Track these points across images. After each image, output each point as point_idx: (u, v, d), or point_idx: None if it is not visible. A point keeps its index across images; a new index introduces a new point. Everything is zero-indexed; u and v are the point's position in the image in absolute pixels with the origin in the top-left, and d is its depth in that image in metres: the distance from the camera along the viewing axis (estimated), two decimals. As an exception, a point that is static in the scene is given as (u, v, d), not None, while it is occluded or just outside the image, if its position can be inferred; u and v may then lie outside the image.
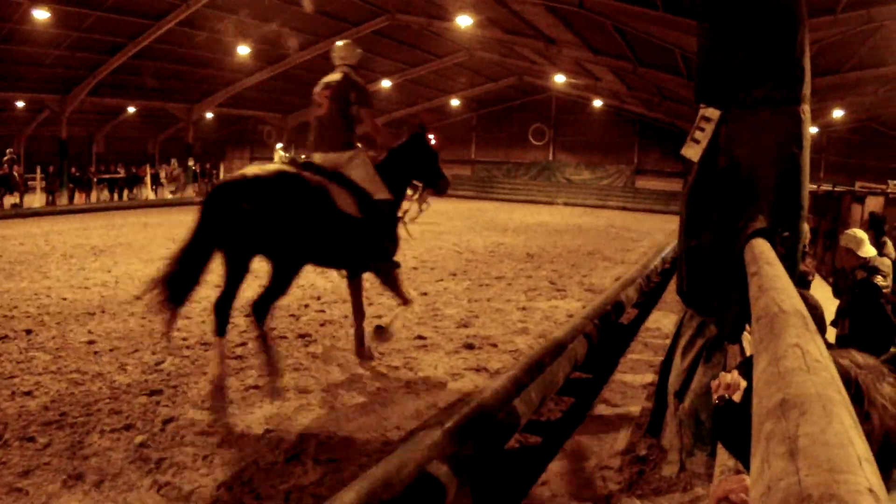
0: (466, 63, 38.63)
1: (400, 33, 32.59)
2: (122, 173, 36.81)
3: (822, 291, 10.07)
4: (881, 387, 1.57)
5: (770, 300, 2.01)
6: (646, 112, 39.85)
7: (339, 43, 8.40)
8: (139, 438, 5.70)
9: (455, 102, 46.89)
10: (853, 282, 6.67)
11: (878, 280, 6.51)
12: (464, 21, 25.37)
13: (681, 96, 25.31)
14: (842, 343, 6.69)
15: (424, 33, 32.32)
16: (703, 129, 5.15)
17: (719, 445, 3.89)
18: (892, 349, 6.41)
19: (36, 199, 31.64)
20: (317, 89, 8.18)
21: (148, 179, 37.19)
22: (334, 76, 8.09)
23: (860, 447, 1.00)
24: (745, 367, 1.84)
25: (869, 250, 6.63)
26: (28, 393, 6.75)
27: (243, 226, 6.57)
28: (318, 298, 11.31)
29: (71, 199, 33.30)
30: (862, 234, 6.79)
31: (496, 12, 23.58)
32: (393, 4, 28.72)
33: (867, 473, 0.93)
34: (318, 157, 7.83)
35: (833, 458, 0.95)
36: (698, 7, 5.47)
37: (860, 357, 1.65)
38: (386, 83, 39.96)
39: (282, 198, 6.64)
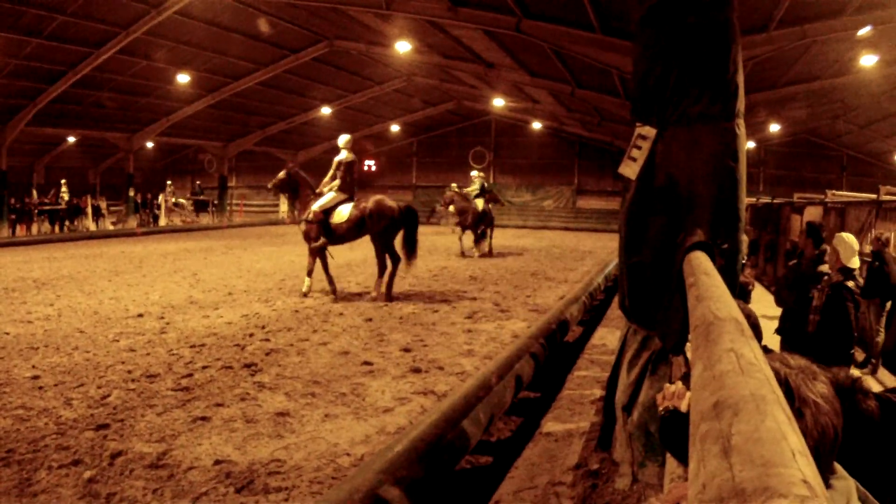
0: (405, 89, 38.81)
1: (339, 60, 32.66)
2: (62, 204, 36.27)
3: (764, 301, 10.26)
4: (813, 385, 1.61)
5: (706, 309, 2.05)
6: (585, 133, 40.31)
7: (346, 137, 15.39)
8: (88, 474, 5.60)
9: (395, 128, 47.01)
10: (829, 284, 6.78)
11: (851, 284, 6.64)
12: (402, 47, 25.45)
13: (619, 116, 25.65)
14: (809, 341, 6.81)
15: (363, 60, 32.40)
16: (639, 147, 5.23)
17: (669, 454, 3.94)
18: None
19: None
20: (346, 161, 15.05)
21: (89, 211, 36.69)
22: (350, 156, 15.18)
23: (794, 442, 1.03)
24: (690, 378, 1.88)
25: (856, 262, 6.75)
26: None
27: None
28: (263, 328, 11.23)
29: (12, 231, 32.80)
30: (856, 245, 6.88)
31: (435, 37, 23.69)
32: (332, 31, 28.75)
33: (801, 466, 0.96)
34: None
35: (766, 453, 0.97)
36: (634, 28, 5.56)
37: (791, 359, 1.69)
38: (326, 110, 39.94)
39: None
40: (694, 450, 1.13)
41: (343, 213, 14.60)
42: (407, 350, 9.97)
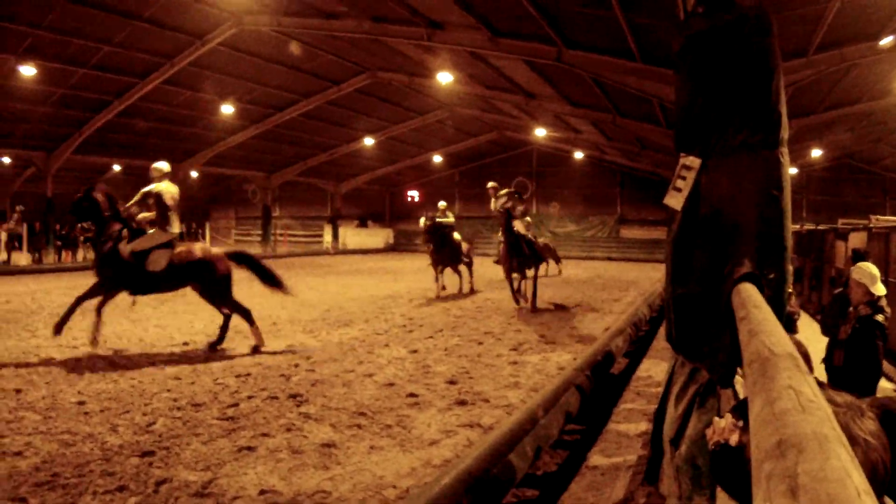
0: (447, 119, 38.98)
1: (381, 91, 32.94)
2: None
3: (810, 329, 10.13)
4: (862, 422, 1.61)
5: (760, 344, 2.04)
6: (627, 162, 40.25)
7: (160, 164, 12.67)
8: (132, 500, 5.66)
9: (437, 159, 47.23)
10: (856, 316, 6.68)
11: (880, 318, 6.53)
12: (444, 78, 25.63)
13: (660, 145, 25.62)
14: (836, 374, 6.72)
15: (405, 91, 32.66)
16: (684, 178, 5.21)
17: (718, 489, 3.91)
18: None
19: (22, 258, 32.15)
20: (155, 192, 12.36)
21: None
22: (164, 186, 12.43)
23: (858, 481, 1.03)
24: (740, 411, 1.87)
25: (880, 288, 6.64)
26: (18, 453, 6.72)
27: None
28: (308, 358, 11.28)
29: (58, 257, 33.29)
30: (875, 271, 6.78)
31: (476, 68, 23.88)
32: (373, 63, 29.03)
33: (866, 504, 0.96)
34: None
35: (832, 492, 0.98)
36: (674, 57, 5.57)
37: (838, 396, 1.69)
38: (369, 141, 40.25)
39: None
40: (759, 489, 1.14)
41: (161, 260, 11.91)
42: (452, 382, 9.93)
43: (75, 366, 10.50)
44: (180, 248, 12.21)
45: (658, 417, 6.05)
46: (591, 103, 24.35)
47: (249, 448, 6.97)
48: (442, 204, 24.03)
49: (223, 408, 8.39)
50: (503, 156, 49.13)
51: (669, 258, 5.45)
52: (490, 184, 19.13)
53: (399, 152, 45.57)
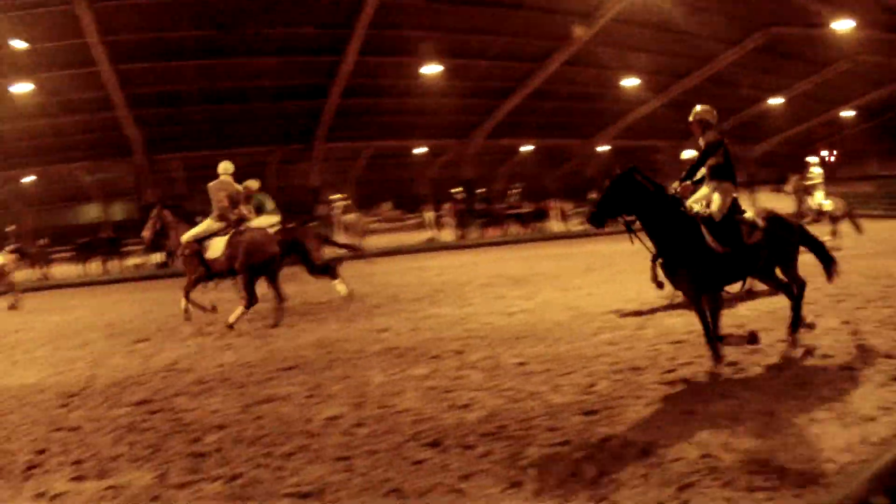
0: (852, 69, 36.65)
1: (779, 47, 31.94)
2: (527, 208, 38.75)
3: None
4: None
5: None
6: None
7: (222, 163, 14.32)
8: (576, 454, 6.15)
9: (846, 114, 44.27)
10: None
11: None
12: (842, 25, 24.38)
13: None
14: None
15: (803, 44, 31.41)
16: None
17: None
18: None
19: (447, 234, 35.47)
20: (211, 187, 14.26)
21: (555, 213, 38.70)
22: (221, 181, 14.07)
23: None
24: None
25: None
26: (464, 406, 7.63)
27: None
28: (742, 326, 10.98)
29: (481, 232, 36.29)
30: None
31: (872, 12, 22.51)
32: (766, 19, 28.23)
33: None
34: None
35: None
36: None
37: None
38: (774, 101, 38.91)
39: None
40: None
41: (215, 248, 13.86)
42: (889, 356, 9.03)
43: (512, 331, 11.46)
44: (235, 234, 13.78)
45: None
46: None
47: (689, 413, 7.20)
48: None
49: (661, 372, 8.72)
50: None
51: None
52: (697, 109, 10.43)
53: (806, 110, 43.39)
